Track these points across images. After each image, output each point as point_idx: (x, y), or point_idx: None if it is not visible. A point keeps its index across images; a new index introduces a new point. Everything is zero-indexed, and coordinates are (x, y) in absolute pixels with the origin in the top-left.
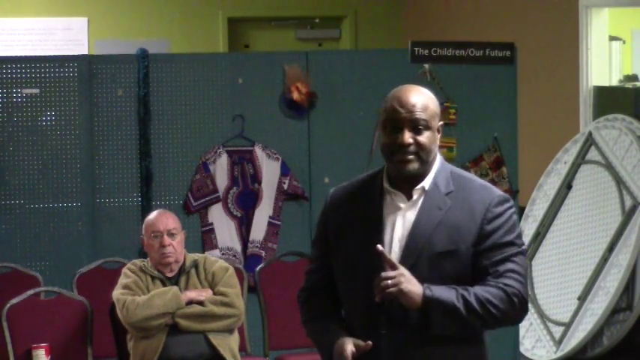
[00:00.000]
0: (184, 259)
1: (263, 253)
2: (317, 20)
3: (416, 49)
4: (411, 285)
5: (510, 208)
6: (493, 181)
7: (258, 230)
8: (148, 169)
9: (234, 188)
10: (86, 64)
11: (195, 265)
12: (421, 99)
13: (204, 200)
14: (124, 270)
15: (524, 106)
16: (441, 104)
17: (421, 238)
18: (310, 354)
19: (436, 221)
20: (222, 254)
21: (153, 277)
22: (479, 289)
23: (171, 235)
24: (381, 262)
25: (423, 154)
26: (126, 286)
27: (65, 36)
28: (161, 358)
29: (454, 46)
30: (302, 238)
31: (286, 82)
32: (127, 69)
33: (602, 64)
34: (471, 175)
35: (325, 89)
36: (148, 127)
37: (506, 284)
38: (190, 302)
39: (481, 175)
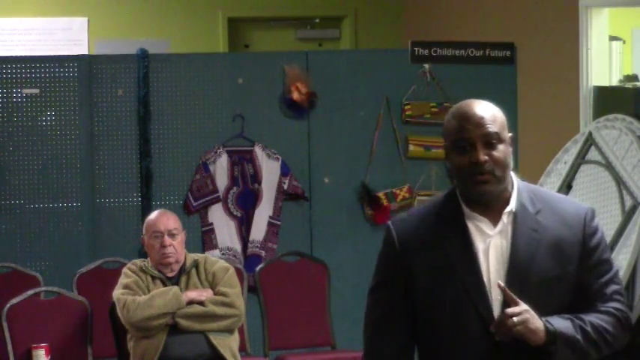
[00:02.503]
0: (185, 259)
1: (263, 253)
2: (317, 20)
3: (416, 49)
4: (537, 321)
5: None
6: None
7: (258, 230)
8: (148, 169)
9: (234, 188)
10: (86, 64)
11: (196, 265)
12: (488, 111)
13: (204, 200)
14: (125, 270)
15: (524, 106)
16: (441, 104)
17: (523, 265)
18: (310, 354)
19: (534, 245)
20: (223, 254)
21: (153, 277)
22: (594, 318)
23: (171, 235)
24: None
25: (498, 172)
26: (126, 286)
27: (65, 36)
28: (161, 358)
29: (454, 46)
30: (302, 238)
31: (286, 82)
32: (127, 69)
33: (602, 64)
34: (545, 189)
35: (325, 89)
36: (147, 127)
37: (616, 309)
38: (191, 302)
39: None
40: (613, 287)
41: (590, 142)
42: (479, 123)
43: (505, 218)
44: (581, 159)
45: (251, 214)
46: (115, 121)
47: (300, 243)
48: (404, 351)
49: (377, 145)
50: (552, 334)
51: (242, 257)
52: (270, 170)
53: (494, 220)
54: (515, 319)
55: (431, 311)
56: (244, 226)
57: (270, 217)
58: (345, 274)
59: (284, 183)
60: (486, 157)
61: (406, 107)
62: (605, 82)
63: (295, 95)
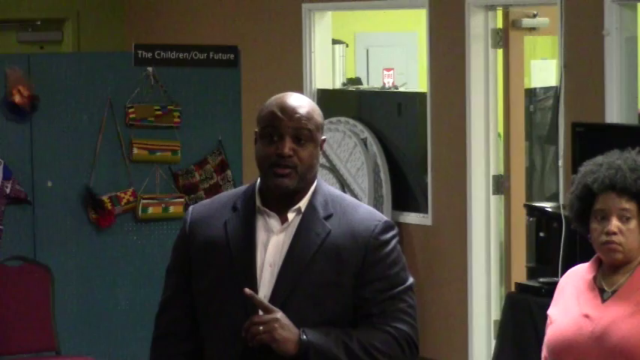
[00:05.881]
0: None
1: None
2: (38, 23)
3: (139, 52)
4: (286, 331)
5: (396, 236)
6: (218, 185)
7: None
8: None
9: None
10: None
11: None
12: (306, 107)
13: None
14: None
15: (249, 109)
16: (165, 107)
17: (297, 266)
18: (34, 359)
19: (314, 248)
20: None
21: None
22: (363, 333)
23: None
24: (253, 288)
25: (302, 170)
26: None
27: None
28: None
29: (178, 49)
30: (25, 242)
31: (8, 85)
32: None
33: (325, 67)
34: (351, 198)
35: (48, 92)
36: None
37: (395, 327)
38: None
39: (206, 179)
40: (397, 305)
41: None
42: (293, 116)
43: (291, 216)
44: None
45: None
46: None
47: (24, 247)
48: (179, 323)
49: (101, 148)
50: (305, 347)
51: None
52: None
53: (284, 217)
54: (261, 327)
55: (205, 301)
56: None
57: None
58: (70, 278)
59: (6, 187)
60: (291, 152)
61: (130, 110)
62: (328, 85)
63: (17, 98)
